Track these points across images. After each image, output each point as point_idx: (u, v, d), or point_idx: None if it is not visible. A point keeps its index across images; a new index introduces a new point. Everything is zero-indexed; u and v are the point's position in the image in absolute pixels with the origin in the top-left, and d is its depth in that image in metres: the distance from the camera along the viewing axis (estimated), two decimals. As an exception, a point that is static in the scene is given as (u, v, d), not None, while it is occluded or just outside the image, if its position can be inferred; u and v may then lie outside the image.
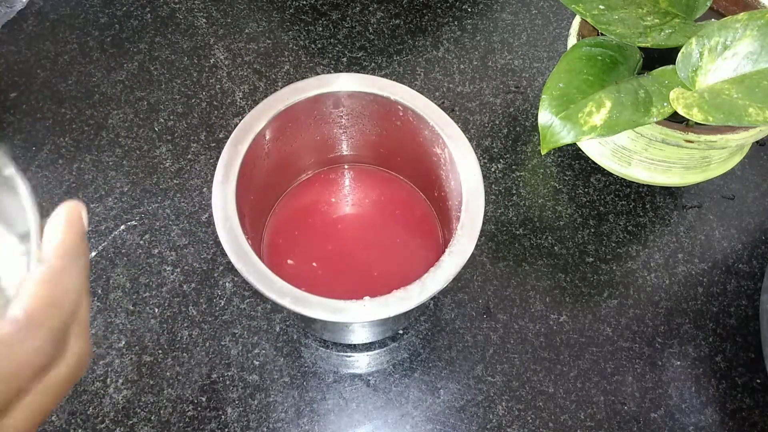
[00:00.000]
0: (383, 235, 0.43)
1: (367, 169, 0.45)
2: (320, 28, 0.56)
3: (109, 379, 0.41)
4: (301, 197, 0.44)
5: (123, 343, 0.43)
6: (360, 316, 0.32)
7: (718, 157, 0.45)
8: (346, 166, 0.45)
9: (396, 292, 0.32)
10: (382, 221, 0.44)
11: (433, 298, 0.33)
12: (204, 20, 0.56)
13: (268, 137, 0.38)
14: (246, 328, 0.43)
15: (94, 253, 0.45)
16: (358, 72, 0.54)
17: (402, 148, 0.42)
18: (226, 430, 0.40)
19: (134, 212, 0.47)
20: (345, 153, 0.44)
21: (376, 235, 0.43)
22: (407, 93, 0.38)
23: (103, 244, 0.46)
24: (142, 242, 0.46)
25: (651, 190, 0.50)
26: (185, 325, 0.43)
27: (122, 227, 0.47)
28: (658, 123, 0.41)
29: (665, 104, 0.39)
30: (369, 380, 0.42)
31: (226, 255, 0.33)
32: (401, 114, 0.39)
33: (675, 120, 0.40)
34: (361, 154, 0.44)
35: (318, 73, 0.54)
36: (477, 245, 0.34)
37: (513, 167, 0.50)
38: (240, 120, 0.38)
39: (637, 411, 0.42)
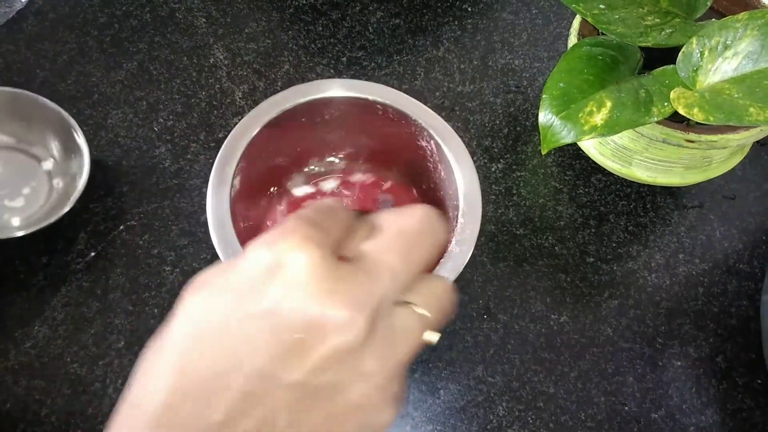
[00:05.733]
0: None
1: (364, 169, 0.45)
2: (320, 28, 0.56)
3: (108, 380, 0.41)
4: (298, 199, 0.44)
5: (123, 343, 0.42)
6: None
7: (718, 157, 0.45)
8: (344, 166, 0.45)
9: None
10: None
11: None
12: (203, 20, 0.56)
13: (261, 143, 0.38)
14: (246, 329, 0.43)
15: (93, 254, 0.45)
16: (358, 72, 0.54)
17: (397, 148, 0.42)
18: (226, 430, 0.40)
19: (134, 212, 0.47)
20: (342, 154, 0.44)
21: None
22: (398, 96, 0.39)
23: (102, 244, 0.46)
24: (141, 242, 0.46)
25: (652, 190, 0.50)
26: (185, 325, 0.43)
27: (122, 227, 0.47)
28: (658, 123, 0.41)
29: (666, 104, 0.38)
30: (369, 381, 0.42)
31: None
32: (392, 117, 0.39)
33: (676, 120, 0.40)
34: (358, 156, 0.45)
35: (318, 73, 0.54)
36: (477, 245, 0.34)
37: (513, 167, 0.50)
38: (239, 120, 0.38)
39: (638, 411, 0.42)
